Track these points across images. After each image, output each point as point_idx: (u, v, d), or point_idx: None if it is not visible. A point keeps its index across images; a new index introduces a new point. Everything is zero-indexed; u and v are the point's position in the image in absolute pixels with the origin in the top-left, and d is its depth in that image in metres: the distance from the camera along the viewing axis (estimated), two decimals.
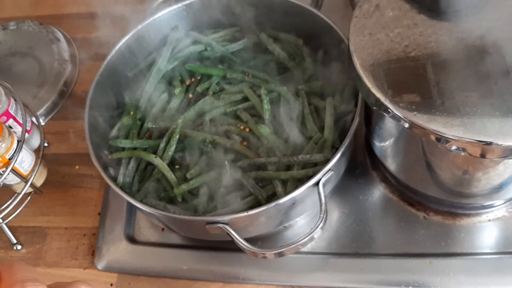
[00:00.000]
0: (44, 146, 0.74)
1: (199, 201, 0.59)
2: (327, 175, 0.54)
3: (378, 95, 0.48)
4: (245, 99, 0.67)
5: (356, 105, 0.58)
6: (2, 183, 0.65)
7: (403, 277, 0.59)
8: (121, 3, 0.75)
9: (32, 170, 0.69)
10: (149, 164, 0.63)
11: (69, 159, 0.78)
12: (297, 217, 0.62)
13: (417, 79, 0.48)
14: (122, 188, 0.59)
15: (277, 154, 0.61)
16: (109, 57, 0.68)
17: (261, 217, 0.56)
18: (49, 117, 0.84)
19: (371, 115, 0.58)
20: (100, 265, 0.66)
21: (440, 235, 0.61)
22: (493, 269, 0.58)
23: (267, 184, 0.60)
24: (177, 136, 0.63)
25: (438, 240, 0.60)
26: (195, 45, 0.73)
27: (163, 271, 0.65)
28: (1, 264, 0.32)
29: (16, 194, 0.70)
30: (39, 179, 0.74)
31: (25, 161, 0.68)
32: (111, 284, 0.65)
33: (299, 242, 0.51)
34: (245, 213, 0.53)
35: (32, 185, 0.70)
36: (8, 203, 0.69)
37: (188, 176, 0.61)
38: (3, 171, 0.64)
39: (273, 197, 0.59)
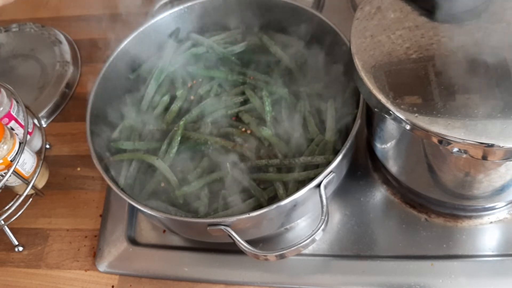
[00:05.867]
0: (46, 148, 0.74)
1: (200, 203, 0.60)
2: (328, 177, 0.54)
3: (380, 97, 0.48)
4: (247, 101, 0.67)
5: (357, 107, 0.58)
6: (3, 185, 0.65)
7: (404, 279, 0.58)
8: (123, 5, 0.75)
9: (34, 172, 0.69)
10: (150, 166, 0.63)
11: (70, 161, 0.78)
12: (299, 219, 0.62)
13: (418, 81, 0.48)
14: (123, 190, 0.59)
15: (279, 156, 0.61)
16: (111, 59, 0.68)
17: (263, 219, 0.56)
18: (51, 119, 0.84)
19: (372, 117, 0.58)
20: (101, 267, 0.66)
21: (442, 237, 0.61)
22: (495, 271, 0.58)
23: (269, 186, 0.60)
24: (179, 138, 0.63)
25: (440, 242, 0.60)
26: (196, 47, 0.73)
27: (164, 273, 0.65)
28: None
29: (17, 196, 0.70)
30: (40, 181, 0.74)
31: (27, 163, 0.68)
32: (112, 286, 0.65)
33: (301, 244, 0.51)
34: (247, 215, 0.53)
35: (33, 187, 0.70)
36: (9, 205, 0.69)
37: (189, 178, 0.61)
38: (4, 173, 0.64)
39: (274, 199, 0.59)
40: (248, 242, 0.53)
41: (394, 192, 0.65)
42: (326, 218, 0.52)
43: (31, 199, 0.72)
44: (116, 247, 0.67)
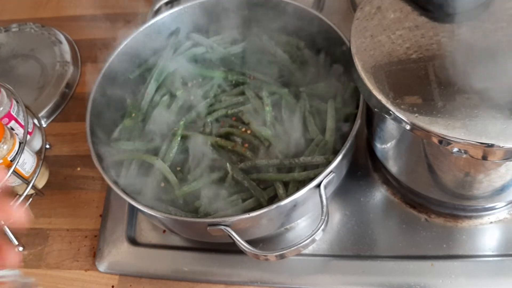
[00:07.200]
0: (46, 148, 0.75)
1: (200, 203, 0.60)
2: (328, 177, 0.54)
3: (380, 97, 0.48)
4: (247, 101, 0.67)
5: (357, 107, 0.58)
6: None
7: (404, 279, 0.58)
8: (123, 5, 0.75)
9: (34, 172, 0.69)
10: (150, 166, 0.63)
11: (70, 161, 0.78)
12: (299, 219, 0.62)
13: (418, 81, 0.48)
14: (123, 190, 0.59)
15: (279, 156, 0.61)
16: (111, 59, 0.68)
17: (263, 219, 0.56)
18: (51, 119, 0.84)
19: (372, 117, 0.58)
20: (101, 267, 0.66)
21: (442, 237, 0.61)
22: (495, 271, 0.58)
23: (269, 186, 0.60)
24: (179, 138, 0.63)
25: (440, 242, 0.60)
26: (196, 47, 0.73)
27: (164, 273, 0.65)
28: None
29: (17, 196, 0.70)
30: (40, 181, 0.74)
31: (27, 163, 0.68)
32: (113, 286, 0.65)
33: (301, 244, 0.51)
34: (247, 215, 0.53)
35: (33, 187, 0.70)
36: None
37: (189, 178, 0.61)
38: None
39: (274, 199, 0.59)
40: (248, 242, 0.53)
41: (394, 192, 0.65)
42: (326, 218, 0.52)
43: (31, 199, 0.72)
44: (116, 247, 0.67)
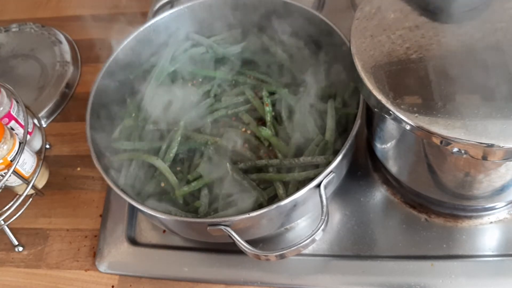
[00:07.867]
0: (46, 148, 0.75)
1: (200, 203, 0.60)
2: (328, 177, 0.54)
3: (380, 97, 0.48)
4: (247, 101, 0.67)
5: (357, 107, 0.58)
6: (3, 185, 0.66)
7: (404, 279, 0.58)
8: (123, 5, 0.75)
9: (34, 172, 0.69)
10: (150, 166, 0.63)
11: (70, 161, 0.78)
12: (299, 219, 0.62)
13: (418, 81, 0.48)
14: (123, 190, 0.59)
15: (279, 156, 0.61)
16: (111, 59, 0.68)
17: (263, 219, 0.56)
18: (51, 119, 0.84)
19: (372, 117, 0.58)
20: (101, 267, 0.66)
21: (442, 237, 0.61)
22: (495, 271, 0.58)
23: (269, 186, 0.60)
24: (179, 138, 0.63)
25: (440, 242, 0.60)
26: (196, 47, 0.73)
27: (164, 273, 0.65)
28: None
29: (17, 196, 0.70)
30: (40, 181, 0.74)
31: (27, 163, 0.68)
32: (112, 286, 0.65)
33: (301, 244, 0.51)
34: (247, 215, 0.53)
35: (33, 187, 0.70)
36: (9, 204, 0.69)
37: (189, 178, 0.61)
38: (4, 173, 0.65)
39: (274, 199, 0.59)
40: (248, 242, 0.53)
41: (394, 192, 0.65)
42: (326, 218, 0.52)
43: (31, 199, 0.72)
44: (116, 247, 0.67)
